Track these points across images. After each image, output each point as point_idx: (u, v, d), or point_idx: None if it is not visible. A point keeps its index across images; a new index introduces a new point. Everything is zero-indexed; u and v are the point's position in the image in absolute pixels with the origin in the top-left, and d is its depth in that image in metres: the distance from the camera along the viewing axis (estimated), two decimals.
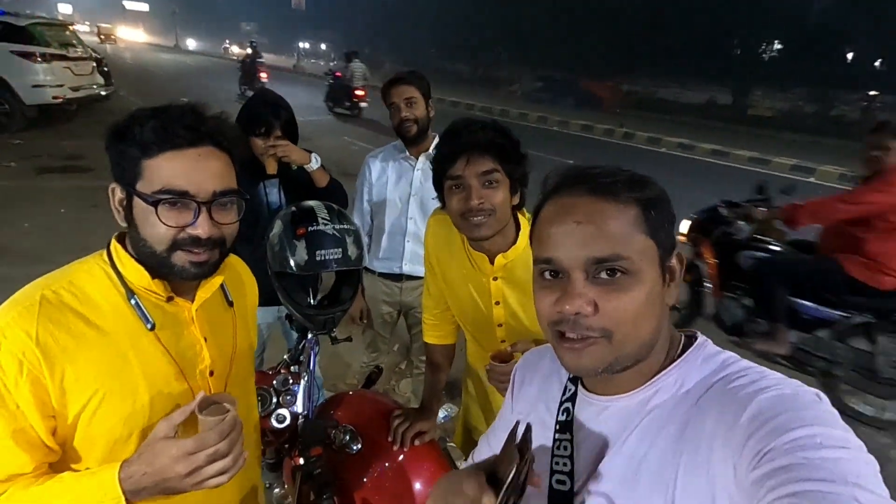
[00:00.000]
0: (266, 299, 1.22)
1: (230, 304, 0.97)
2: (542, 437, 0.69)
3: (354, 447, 1.31)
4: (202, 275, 0.83)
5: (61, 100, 7.62)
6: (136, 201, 0.78)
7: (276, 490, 1.47)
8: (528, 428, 0.59)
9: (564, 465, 0.65)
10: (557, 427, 0.68)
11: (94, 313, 0.79)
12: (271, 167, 1.89)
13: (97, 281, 0.81)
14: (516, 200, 1.18)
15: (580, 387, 0.69)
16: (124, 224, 0.82)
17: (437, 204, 2.07)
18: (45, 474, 0.76)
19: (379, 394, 1.64)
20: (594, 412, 0.66)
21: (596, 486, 0.63)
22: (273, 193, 1.87)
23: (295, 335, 1.99)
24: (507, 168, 1.13)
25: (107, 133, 0.80)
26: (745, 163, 10.79)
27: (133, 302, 0.81)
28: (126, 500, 0.72)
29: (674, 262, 0.63)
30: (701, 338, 0.65)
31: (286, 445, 1.33)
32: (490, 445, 0.85)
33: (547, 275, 0.62)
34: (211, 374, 0.90)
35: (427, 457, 1.35)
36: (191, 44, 40.53)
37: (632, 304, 0.58)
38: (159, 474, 0.72)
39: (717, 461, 0.54)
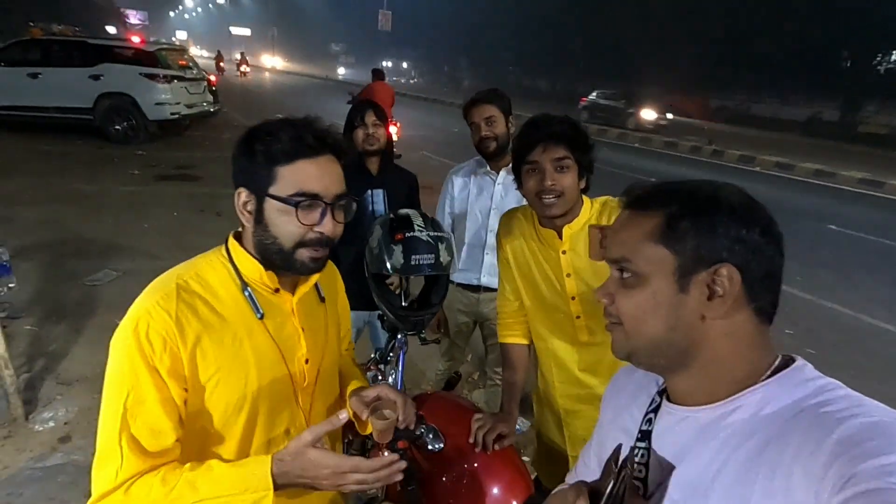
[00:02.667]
0: (359, 303, 1.32)
1: (322, 299, 1.05)
2: (626, 445, 0.72)
3: (437, 445, 1.36)
4: (317, 269, 0.91)
5: (178, 116, 8.56)
6: (269, 203, 0.86)
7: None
8: (618, 447, 0.66)
9: (640, 471, 0.68)
10: (639, 436, 0.71)
11: (216, 301, 0.88)
12: (373, 166, 2.09)
13: (218, 273, 0.90)
14: (583, 185, 1.34)
15: (664, 398, 0.70)
16: (249, 224, 0.89)
17: None
18: (191, 462, 0.82)
19: (460, 397, 1.68)
20: (673, 422, 0.67)
21: (669, 494, 0.64)
22: (379, 202, 2.06)
23: (383, 337, 2.11)
24: (576, 155, 1.29)
25: (237, 144, 0.88)
26: (854, 184, 9.82)
27: (247, 293, 0.89)
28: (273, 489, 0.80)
29: (704, 276, 0.61)
30: (800, 361, 0.63)
31: (350, 438, 1.40)
32: (585, 462, 0.88)
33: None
34: (306, 361, 0.97)
35: (505, 461, 1.37)
36: (286, 65, 43.60)
37: (633, 303, 0.64)
38: (311, 479, 0.81)
39: (796, 487, 0.52)
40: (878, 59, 20.10)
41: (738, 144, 12.98)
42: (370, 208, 2.06)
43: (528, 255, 1.44)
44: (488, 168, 2.21)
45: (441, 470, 1.36)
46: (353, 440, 1.42)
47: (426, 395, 1.63)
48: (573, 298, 1.36)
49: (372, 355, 1.50)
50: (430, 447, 1.37)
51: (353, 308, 2.15)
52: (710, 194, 0.63)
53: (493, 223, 2.21)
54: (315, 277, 0.98)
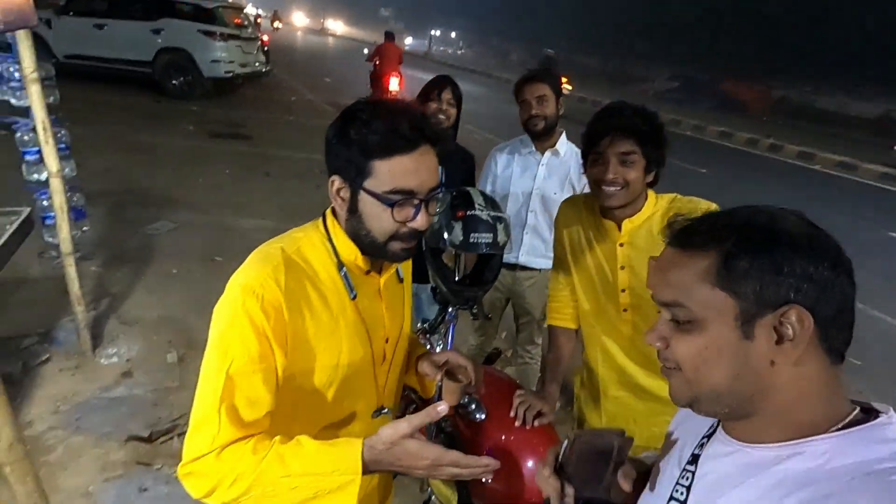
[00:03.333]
0: (414, 276, 1.38)
1: (401, 280, 1.07)
2: (673, 463, 0.72)
3: (479, 416, 1.43)
4: (407, 258, 0.92)
5: (231, 74, 8.73)
6: (364, 196, 0.85)
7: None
8: (627, 442, 0.71)
9: (681, 494, 0.67)
10: (690, 459, 0.69)
11: (316, 278, 0.88)
12: None
13: (317, 251, 0.90)
14: (650, 179, 1.33)
15: (720, 425, 0.68)
16: (342, 212, 0.89)
17: (558, 199, 2.14)
18: (280, 436, 0.81)
19: (502, 372, 1.74)
20: (723, 451, 0.65)
21: None
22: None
23: (428, 309, 2.18)
24: (645, 150, 1.28)
25: (332, 131, 0.86)
26: None
27: (343, 273, 0.90)
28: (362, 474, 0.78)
29: (772, 318, 0.56)
30: (885, 417, 0.58)
31: (421, 405, 1.48)
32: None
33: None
34: (387, 340, 1.00)
35: (543, 438, 1.42)
36: (338, 27, 43.23)
37: (690, 349, 0.60)
38: (405, 468, 0.80)
39: None
40: None
41: (799, 139, 12.30)
42: None
43: (584, 243, 1.45)
44: (533, 148, 2.21)
45: (482, 439, 1.42)
46: (417, 406, 1.50)
47: None
48: (623, 291, 1.38)
49: (420, 324, 1.56)
50: (473, 417, 1.44)
51: None
52: (767, 227, 0.57)
53: (535, 204, 2.22)
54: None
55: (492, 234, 1.35)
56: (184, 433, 2.31)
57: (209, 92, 8.75)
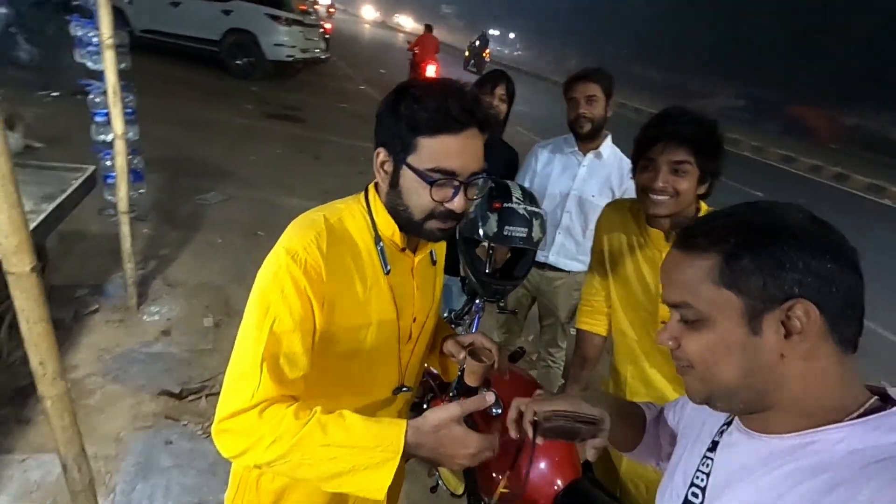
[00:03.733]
0: (446, 269, 1.38)
1: (434, 262, 1.08)
2: (694, 450, 0.74)
3: (496, 410, 1.42)
4: (443, 238, 0.92)
5: (292, 59, 8.99)
6: (406, 172, 0.85)
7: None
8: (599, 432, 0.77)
9: (701, 480, 0.69)
10: (710, 446, 0.71)
11: (353, 250, 0.90)
12: None
13: (357, 223, 0.92)
14: (703, 190, 1.27)
15: (736, 417, 0.69)
16: (383, 185, 0.89)
17: (595, 202, 2.08)
18: (321, 407, 0.80)
19: (522, 370, 1.72)
20: (742, 440, 0.67)
21: None
22: None
23: (455, 300, 2.18)
24: (699, 161, 1.22)
25: (384, 104, 0.87)
26: None
27: (379, 247, 0.91)
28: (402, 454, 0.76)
29: (779, 313, 0.57)
30: None
31: (439, 392, 1.49)
32: (672, 408, 0.92)
33: None
34: (414, 319, 1.00)
35: (556, 443, 1.40)
36: (407, 22, 43.29)
37: (701, 347, 0.62)
38: (444, 456, 0.78)
39: None
40: None
41: (870, 171, 11.56)
42: None
43: (625, 250, 1.41)
44: (576, 148, 2.16)
45: (496, 434, 1.42)
46: (435, 393, 1.51)
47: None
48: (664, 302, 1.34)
49: (446, 314, 1.56)
50: (490, 411, 1.43)
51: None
52: (767, 223, 0.59)
53: (571, 205, 2.18)
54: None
55: (526, 229, 1.34)
56: (213, 394, 2.41)
57: (269, 74, 9.04)
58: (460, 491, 1.35)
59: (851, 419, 0.58)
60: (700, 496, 0.68)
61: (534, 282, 2.33)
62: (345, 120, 7.88)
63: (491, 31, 30.49)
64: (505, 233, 1.33)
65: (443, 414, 0.78)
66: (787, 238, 0.57)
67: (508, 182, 1.42)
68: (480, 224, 1.35)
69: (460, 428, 0.78)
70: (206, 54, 8.86)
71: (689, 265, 0.62)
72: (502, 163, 2.20)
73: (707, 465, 0.69)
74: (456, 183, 0.85)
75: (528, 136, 8.81)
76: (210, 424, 0.82)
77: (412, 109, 0.83)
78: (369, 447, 0.75)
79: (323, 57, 10.16)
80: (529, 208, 1.36)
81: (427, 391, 1.60)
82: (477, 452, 0.79)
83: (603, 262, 1.47)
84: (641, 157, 1.27)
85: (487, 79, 2.09)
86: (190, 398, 2.31)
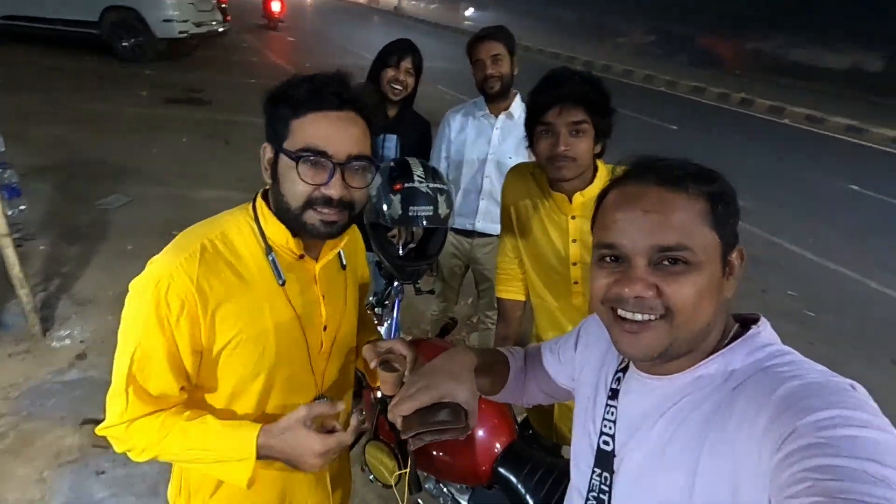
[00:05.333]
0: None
1: (343, 267, 1.04)
2: (596, 400, 0.77)
3: None
4: (331, 234, 0.87)
5: (186, 34, 8.22)
6: (281, 158, 0.83)
7: (355, 416, 1.64)
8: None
9: (609, 428, 0.72)
10: (609, 394, 0.74)
11: (240, 264, 0.86)
12: (392, 110, 2.04)
13: (244, 236, 0.87)
14: (598, 149, 1.30)
15: (630, 363, 0.73)
16: (269, 181, 0.87)
17: (513, 164, 2.10)
18: (188, 410, 0.87)
19: (452, 344, 1.73)
20: (639, 387, 0.70)
21: (630, 453, 0.68)
22: (390, 147, 2.03)
23: (382, 281, 2.15)
24: (595, 120, 1.24)
25: (265, 97, 0.86)
26: (885, 143, 9.40)
27: (270, 258, 0.87)
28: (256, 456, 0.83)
29: (734, 256, 0.64)
30: (755, 328, 0.65)
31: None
32: (552, 351, 0.95)
33: (608, 259, 0.64)
34: (324, 328, 0.98)
35: (491, 408, 1.43)
36: None
37: (691, 292, 0.60)
38: (294, 458, 0.84)
39: (742, 445, 0.55)
40: None
41: (770, 93, 12.33)
42: (381, 153, 2.03)
43: (532, 215, 1.42)
44: (487, 111, 2.14)
45: None
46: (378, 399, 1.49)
47: (420, 341, 1.68)
48: (574, 264, 1.36)
49: (370, 298, 1.53)
50: None
51: None
52: (718, 174, 0.64)
53: (490, 169, 2.18)
54: (340, 244, 0.96)
55: (432, 207, 1.31)
56: None
57: (163, 54, 8.25)
58: (392, 482, 1.36)
59: (724, 347, 0.64)
60: (611, 443, 0.71)
61: (464, 250, 2.33)
62: (254, 97, 7.10)
63: None
64: (410, 213, 1.30)
65: (290, 417, 0.84)
66: (732, 191, 0.63)
67: (409, 160, 1.38)
68: (385, 207, 1.31)
69: (303, 430, 0.83)
70: (87, 38, 7.95)
71: (682, 207, 0.61)
72: (416, 135, 2.14)
73: (612, 413, 0.72)
74: (329, 165, 0.81)
75: (451, 93, 8.67)
76: None
77: (287, 95, 0.83)
78: (223, 450, 0.84)
79: (221, 29, 9.35)
80: (433, 185, 1.33)
81: (356, 394, 1.58)
82: (324, 452, 0.83)
83: (512, 228, 1.47)
84: (539, 124, 1.26)
85: (393, 50, 1.99)
86: None
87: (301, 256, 0.91)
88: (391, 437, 1.31)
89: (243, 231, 0.88)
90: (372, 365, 0.98)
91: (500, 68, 2.01)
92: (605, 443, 0.72)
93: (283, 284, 0.89)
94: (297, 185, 0.82)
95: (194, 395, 0.91)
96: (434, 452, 1.39)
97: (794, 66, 18.78)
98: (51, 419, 2.14)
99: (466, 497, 1.48)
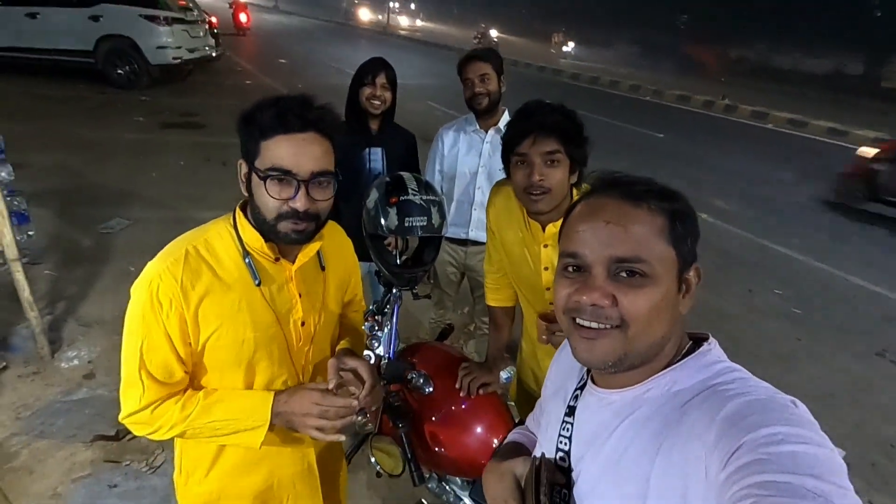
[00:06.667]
0: (359, 255, 1.43)
1: (322, 268, 1.13)
2: (556, 419, 0.78)
3: (427, 389, 1.51)
4: (302, 240, 0.98)
5: (180, 60, 8.39)
6: (254, 176, 0.93)
7: (359, 418, 1.72)
8: (542, 464, 0.72)
9: (565, 444, 0.74)
10: (567, 411, 0.76)
11: (220, 267, 0.97)
12: (374, 124, 2.15)
13: (224, 242, 0.99)
14: (574, 179, 1.31)
15: (590, 378, 0.75)
16: (246, 194, 0.98)
17: (503, 175, 2.20)
18: (204, 391, 1.00)
19: (449, 346, 1.82)
20: (594, 402, 0.72)
21: (587, 466, 0.70)
22: (377, 160, 2.13)
23: (381, 289, 2.24)
24: (568, 149, 1.25)
25: (238, 118, 0.94)
26: (868, 145, 9.61)
27: (247, 261, 0.98)
28: (270, 422, 0.98)
29: (691, 274, 0.66)
30: (707, 345, 0.67)
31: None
32: (536, 419, 0.97)
33: (570, 268, 0.66)
34: (302, 324, 1.08)
35: (489, 406, 1.51)
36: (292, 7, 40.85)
37: (647, 304, 0.62)
38: (291, 405, 0.98)
39: (690, 461, 0.57)
40: None
41: (753, 99, 12.61)
42: (368, 166, 2.13)
43: (512, 237, 1.48)
44: (477, 126, 2.26)
45: (430, 411, 1.51)
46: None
47: (420, 345, 1.77)
48: (548, 289, 1.42)
49: (370, 307, 1.62)
50: (421, 391, 1.52)
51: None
52: (681, 196, 0.67)
53: (482, 181, 2.29)
54: (316, 247, 1.06)
55: (426, 217, 1.40)
56: None
57: (157, 80, 8.41)
58: (399, 471, 1.43)
59: (676, 363, 0.66)
60: (567, 460, 0.73)
61: (459, 259, 2.43)
62: None
63: (391, 3, 29.78)
64: (406, 224, 1.39)
65: (302, 386, 1.00)
66: (692, 210, 0.66)
67: (403, 175, 1.48)
68: (382, 219, 1.40)
69: (309, 390, 1.00)
70: (82, 67, 8.10)
71: (642, 221, 0.63)
72: (402, 147, 2.25)
73: (567, 430, 0.74)
74: (294, 182, 0.91)
75: (441, 110, 8.84)
76: (154, 458, 0.95)
77: (256, 118, 0.92)
78: (243, 418, 0.98)
79: (214, 54, 9.56)
80: (426, 197, 1.43)
81: None
82: (309, 399, 0.98)
83: (496, 241, 1.56)
84: (514, 155, 1.29)
85: (368, 69, 2.10)
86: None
87: (277, 259, 1.01)
88: (393, 432, 1.40)
89: (224, 237, 0.99)
90: (330, 386, 1.05)
91: (487, 86, 2.14)
92: (562, 459, 0.74)
93: (258, 284, 0.99)
94: (268, 199, 0.92)
95: (190, 382, 1.02)
96: (435, 448, 1.48)
97: (776, 72, 19.18)
98: (62, 437, 2.20)
99: (467, 493, 1.56)
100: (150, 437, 0.99)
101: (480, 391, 1.50)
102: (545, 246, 1.40)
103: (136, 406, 0.94)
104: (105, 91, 7.93)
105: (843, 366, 3.24)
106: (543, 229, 1.37)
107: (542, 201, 1.27)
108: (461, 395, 1.50)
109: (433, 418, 1.50)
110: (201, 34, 9.08)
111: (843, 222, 5.65)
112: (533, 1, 30.57)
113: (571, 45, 22.23)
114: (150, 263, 0.96)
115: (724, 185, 6.37)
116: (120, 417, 0.97)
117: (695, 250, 0.66)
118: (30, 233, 2.63)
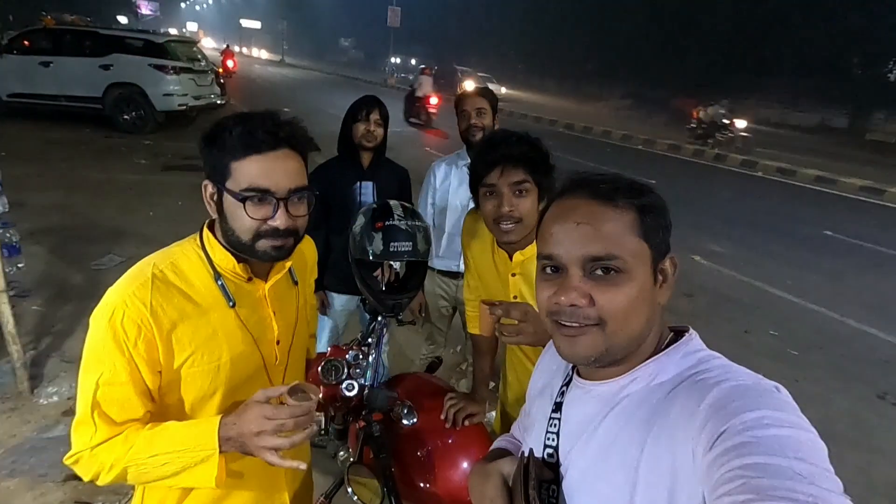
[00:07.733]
0: (350, 287, 1.42)
1: (295, 283, 1.10)
2: (543, 416, 0.78)
3: (411, 420, 1.46)
4: (281, 257, 0.94)
5: (185, 107, 8.68)
6: (226, 197, 0.89)
7: (342, 454, 1.66)
8: (529, 461, 0.71)
9: (552, 440, 0.74)
10: (553, 408, 0.76)
11: (190, 290, 0.91)
12: (365, 159, 2.19)
13: (192, 263, 0.94)
14: (542, 206, 1.30)
15: (575, 372, 0.76)
16: (215, 215, 0.94)
17: None
18: (151, 423, 0.89)
19: (436, 377, 1.78)
20: (581, 395, 0.72)
21: (575, 460, 0.70)
22: (367, 194, 2.17)
23: (367, 317, 2.22)
24: (536, 178, 1.26)
25: (200, 138, 0.92)
26: (854, 191, 9.84)
27: (219, 283, 0.94)
28: (219, 449, 0.84)
29: (667, 265, 0.67)
30: (688, 335, 0.69)
31: (353, 413, 1.51)
32: (521, 426, 0.95)
33: (548, 270, 0.68)
34: (277, 343, 1.04)
35: (474, 438, 1.47)
36: (298, 60, 42.95)
37: (624, 299, 0.63)
38: (241, 426, 0.85)
39: (678, 447, 0.57)
40: (890, 66, 20.03)
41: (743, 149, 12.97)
42: (358, 199, 2.16)
43: (484, 264, 1.49)
44: (469, 160, 2.31)
45: (413, 443, 1.46)
46: (335, 415, 1.52)
47: (404, 375, 1.73)
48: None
49: (357, 336, 1.60)
50: (403, 421, 1.47)
51: (345, 291, 2.19)
52: (649, 188, 0.68)
53: None
54: (288, 264, 1.03)
55: (411, 243, 1.41)
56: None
57: (162, 125, 8.67)
58: (377, 502, 1.37)
59: (658, 354, 0.67)
60: (555, 456, 0.73)
61: (451, 293, 2.42)
62: None
63: (392, 59, 31.13)
64: (391, 249, 1.40)
65: (248, 400, 0.87)
66: (662, 201, 0.68)
67: (390, 202, 1.50)
68: (368, 244, 1.41)
69: (255, 402, 0.86)
70: (90, 112, 8.36)
71: (611, 218, 0.64)
72: (396, 182, 2.29)
73: (554, 426, 0.75)
74: (273, 200, 0.88)
75: (439, 155, 9.05)
76: (128, 500, 0.88)
77: (223, 139, 0.88)
78: (189, 448, 0.85)
79: (220, 102, 9.89)
80: (411, 223, 1.44)
81: (337, 410, 1.61)
82: (260, 416, 0.84)
83: (472, 268, 1.56)
84: (482, 186, 1.29)
85: (361, 105, 2.18)
86: None
87: (249, 279, 0.98)
88: (373, 462, 1.34)
89: (191, 259, 0.94)
90: (282, 391, 0.94)
91: (482, 120, 2.23)
92: (550, 455, 0.74)
93: (233, 306, 0.95)
94: (245, 220, 0.88)
95: (159, 413, 0.93)
96: (417, 482, 1.42)
97: (765, 125, 19.84)
98: (33, 476, 2.11)
99: None
100: (96, 481, 0.88)
101: (466, 422, 1.46)
102: (513, 275, 1.39)
103: (85, 445, 0.85)
104: (111, 135, 8.16)
105: (843, 408, 3.17)
106: (511, 257, 1.37)
107: (513, 231, 1.27)
108: (446, 426, 1.46)
109: (417, 451, 1.45)
110: (208, 83, 9.44)
111: (836, 266, 5.68)
112: (527, 58, 32.03)
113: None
114: (110, 290, 0.89)
115: (717, 228, 6.44)
116: (66, 457, 0.88)
117: (668, 241, 0.67)
118: (19, 265, 2.63)
